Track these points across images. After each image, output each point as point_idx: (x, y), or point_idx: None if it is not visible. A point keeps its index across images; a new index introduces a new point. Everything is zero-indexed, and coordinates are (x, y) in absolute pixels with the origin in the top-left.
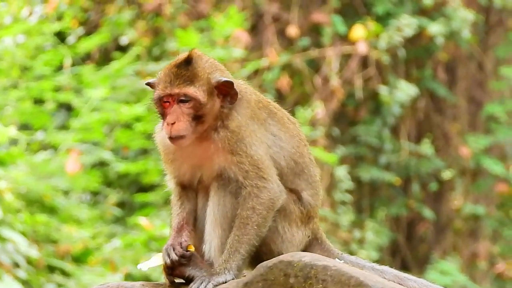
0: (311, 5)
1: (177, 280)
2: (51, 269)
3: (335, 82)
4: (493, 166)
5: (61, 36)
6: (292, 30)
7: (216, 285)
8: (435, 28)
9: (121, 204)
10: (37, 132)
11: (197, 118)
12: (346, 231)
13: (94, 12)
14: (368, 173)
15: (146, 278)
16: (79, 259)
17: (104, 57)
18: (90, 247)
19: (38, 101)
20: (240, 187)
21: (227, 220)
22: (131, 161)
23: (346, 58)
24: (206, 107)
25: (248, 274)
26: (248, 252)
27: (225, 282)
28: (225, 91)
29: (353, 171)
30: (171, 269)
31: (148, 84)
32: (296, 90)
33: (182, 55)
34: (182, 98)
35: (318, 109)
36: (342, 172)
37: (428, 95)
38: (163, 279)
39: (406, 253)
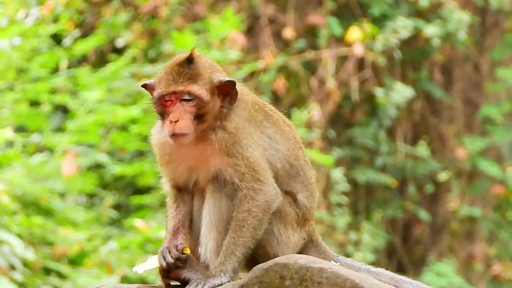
0: (307, 7)
1: (173, 283)
2: (47, 271)
3: (331, 84)
4: (489, 168)
5: (57, 38)
6: (288, 32)
7: None
8: (431, 30)
9: (117, 206)
10: (33, 134)
11: (199, 117)
12: (342, 233)
13: (90, 14)
14: (364, 175)
15: (142, 281)
16: (75, 261)
17: (100, 59)
18: (86, 249)
19: (34, 103)
20: (236, 190)
21: (223, 222)
22: (127, 163)
23: (342, 60)
24: (208, 106)
25: (244, 277)
26: (244, 255)
27: (221, 285)
28: (226, 91)
29: (349, 173)
30: (167, 272)
31: (144, 86)
32: (292, 92)
33: (182, 55)
34: (186, 96)
35: (314, 111)
36: (338, 174)
37: (424, 97)
38: (159, 281)
39: (402, 255)
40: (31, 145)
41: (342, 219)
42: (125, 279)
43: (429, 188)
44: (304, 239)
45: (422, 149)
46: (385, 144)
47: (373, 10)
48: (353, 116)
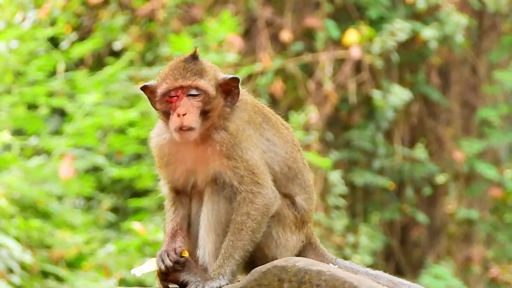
0: (304, 10)
1: (171, 286)
2: (45, 274)
3: (328, 86)
4: (486, 170)
5: (54, 42)
6: (286, 35)
7: None
8: (428, 33)
9: (114, 209)
10: (31, 137)
11: (204, 113)
12: (340, 235)
13: (87, 17)
14: (361, 178)
15: (140, 284)
16: (73, 264)
17: (97, 62)
18: (84, 252)
19: (32, 107)
20: (235, 192)
21: (221, 225)
22: (125, 166)
23: (339, 62)
24: (214, 102)
25: (242, 279)
26: (242, 258)
27: (220, 287)
28: (229, 90)
29: (347, 176)
30: (165, 275)
31: (144, 88)
32: (289, 94)
33: (184, 55)
34: (193, 91)
35: (312, 114)
36: (335, 176)
37: (422, 99)
38: (157, 284)
39: (400, 258)
40: (28, 148)
41: (340, 222)
42: (123, 282)
43: (427, 190)
44: (303, 241)
45: (420, 151)
46: (382, 147)
47: (370, 12)
48: (350, 119)
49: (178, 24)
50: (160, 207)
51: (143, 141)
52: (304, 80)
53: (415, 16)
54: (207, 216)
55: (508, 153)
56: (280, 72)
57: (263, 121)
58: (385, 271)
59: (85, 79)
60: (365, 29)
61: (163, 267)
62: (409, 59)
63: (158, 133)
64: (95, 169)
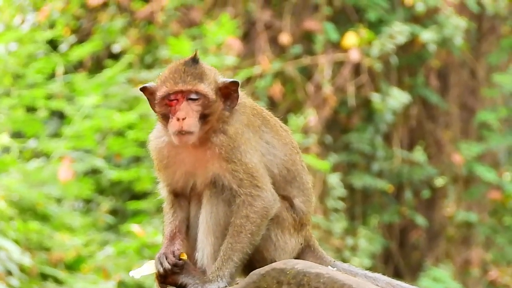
0: (303, 13)
1: None
2: (44, 277)
3: (327, 89)
4: (485, 173)
5: (53, 44)
6: (284, 38)
7: None
8: (427, 35)
9: (113, 212)
10: (30, 140)
11: (204, 117)
12: (339, 238)
13: (86, 20)
14: (360, 180)
15: (139, 286)
16: (72, 266)
17: (96, 65)
18: (83, 255)
19: (31, 109)
20: (234, 195)
21: (220, 228)
22: (124, 168)
23: (338, 65)
24: (214, 106)
25: (241, 282)
26: (241, 260)
27: None
28: (228, 93)
29: (346, 178)
30: (163, 278)
31: (143, 89)
32: (288, 97)
33: (184, 58)
34: (193, 95)
35: (311, 117)
36: (334, 179)
37: (421, 102)
38: (155, 286)
39: (398, 261)
40: (27, 150)
41: (339, 224)
42: (122, 285)
43: (426, 193)
44: (301, 244)
45: (419, 154)
46: (381, 150)
47: (369, 15)
48: (349, 122)
49: (177, 26)
50: (159, 209)
51: (142, 144)
52: (303, 83)
53: (414, 19)
54: (205, 219)
55: (507, 156)
56: (279, 75)
57: (262, 124)
58: (384, 274)
59: (84, 82)
60: (364, 32)
61: (161, 269)
62: (408, 62)
63: (157, 136)
64: (94, 172)
